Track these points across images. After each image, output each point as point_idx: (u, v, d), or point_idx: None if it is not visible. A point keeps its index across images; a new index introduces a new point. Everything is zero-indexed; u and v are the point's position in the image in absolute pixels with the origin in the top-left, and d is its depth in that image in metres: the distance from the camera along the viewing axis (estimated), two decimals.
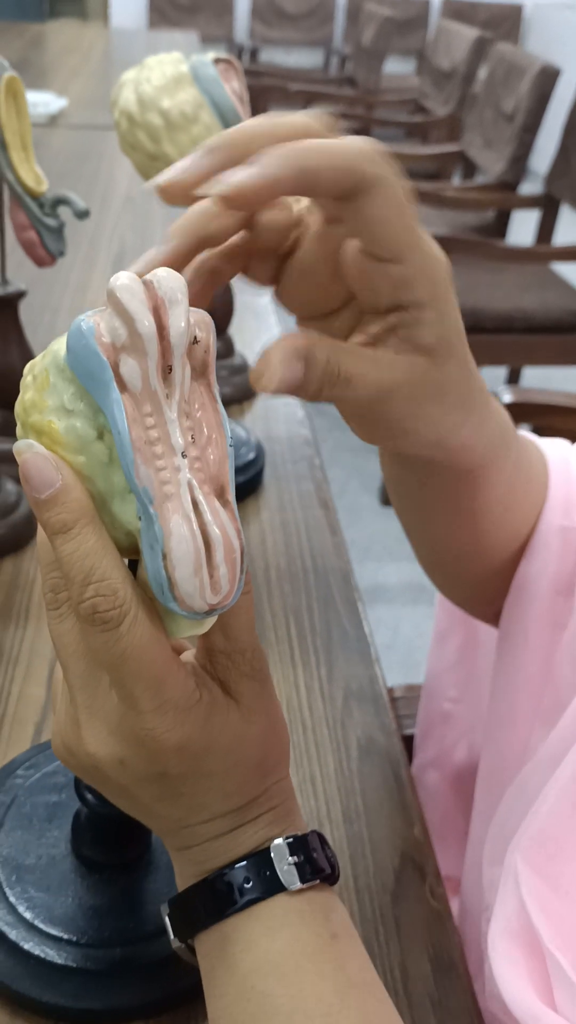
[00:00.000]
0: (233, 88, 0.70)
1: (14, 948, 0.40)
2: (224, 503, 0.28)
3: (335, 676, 0.61)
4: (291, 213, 0.34)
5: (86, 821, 0.43)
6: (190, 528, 0.27)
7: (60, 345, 0.29)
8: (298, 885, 0.32)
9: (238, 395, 0.92)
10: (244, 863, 0.33)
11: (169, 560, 0.27)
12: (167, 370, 0.27)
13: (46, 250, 0.65)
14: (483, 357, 2.10)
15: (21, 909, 0.42)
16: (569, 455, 0.50)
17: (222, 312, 0.92)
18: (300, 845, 0.33)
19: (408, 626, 1.91)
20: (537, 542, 0.48)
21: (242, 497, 0.77)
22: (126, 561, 0.30)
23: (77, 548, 0.28)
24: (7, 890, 0.42)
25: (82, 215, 0.63)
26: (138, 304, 0.27)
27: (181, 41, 3.22)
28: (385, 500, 2.37)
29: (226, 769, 0.32)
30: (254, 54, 5.18)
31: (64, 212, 0.66)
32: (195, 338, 0.28)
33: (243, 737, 0.32)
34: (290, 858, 0.33)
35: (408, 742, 0.72)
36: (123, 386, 0.27)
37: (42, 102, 1.93)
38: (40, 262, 0.66)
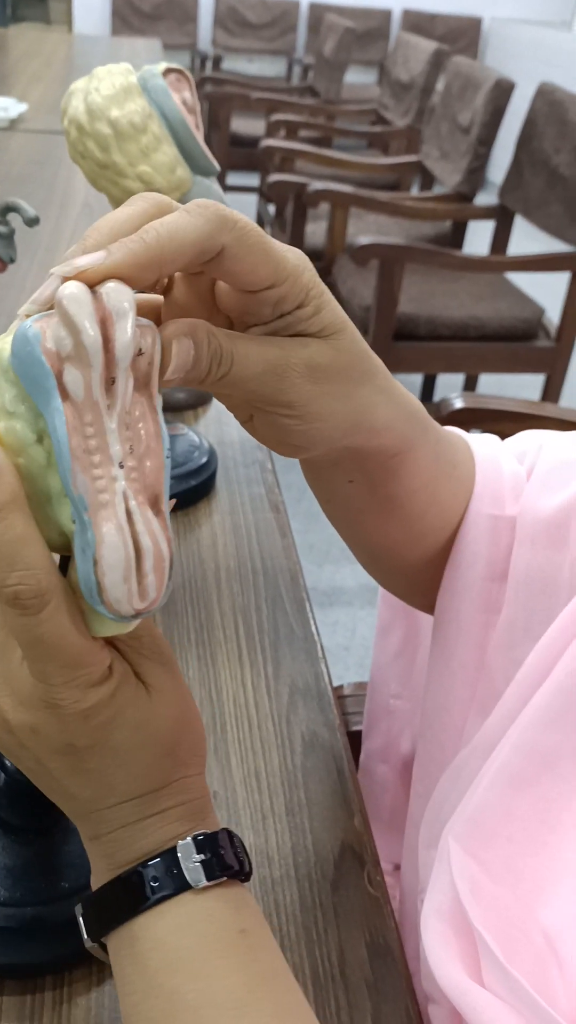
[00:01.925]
0: (184, 99, 0.72)
1: None
2: (157, 512, 0.29)
3: (281, 674, 0.62)
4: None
5: (4, 787, 0.44)
6: (122, 537, 0.28)
7: (5, 345, 0.29)
8: (204, 883, 0.33)
9: (192, 400, 0.93)
10: (154, 861, 0.34)
11: (100, 566, 0.28)
12: (110, 382, 0.28)
13: None
14: (439, 364, 2.14)
15: None
16: (499, 452, 0.52)
17: None
18: (208, 843, 0.34)
19: (365, 627, 1.93)
20: (466, 531, 0.49)
21: (194, 500, 0.78)
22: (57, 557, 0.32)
23: (4, 533, 0.29)
24: None
25: (32, 222, 0.64)
26: (85, 316, 0.27)
27: (143, 48, 3.23)
28: None
29: (134, 747, 0.33)
30: (217, 62, 5.20)
31: (15, 219, 0.67)
32: (139, 350, 0.29)
33: (151, 716, 0.33)
34: (197, 856, 0.34)
35: (357, 737, 0.74)
36: (65, 395, 0.28)
37: (1, 107, 1.93)
38: None
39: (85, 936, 0.35)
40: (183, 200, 0.68)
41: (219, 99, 3.86)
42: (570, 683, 0.41)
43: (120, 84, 0.64)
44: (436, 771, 0.49)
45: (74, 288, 0.28)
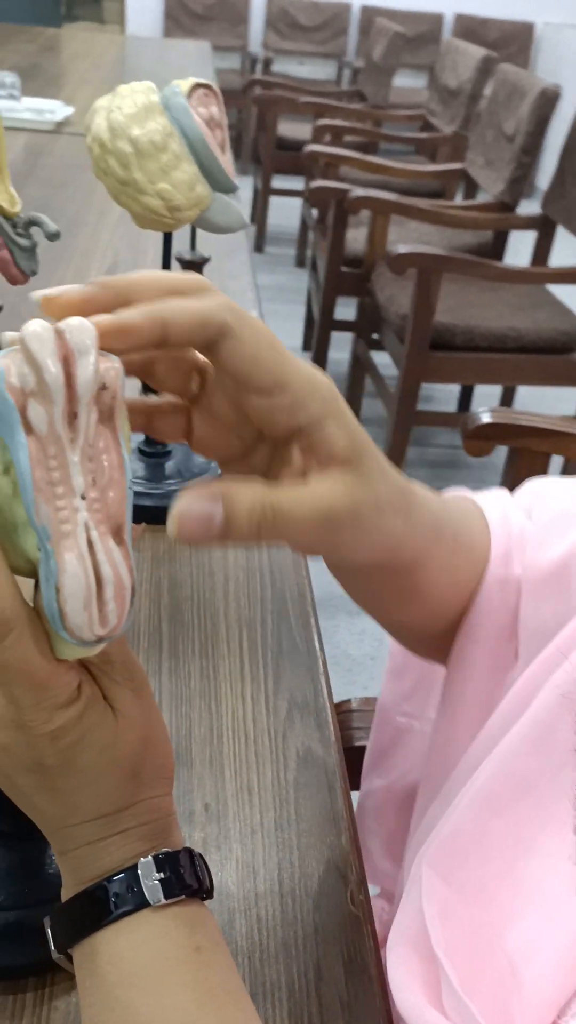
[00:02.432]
0: (212, 114, 0.73)
1: None
2: (119, 541, 0.30)
3: (281, 688, 0.63)
4: (192, 358, 0.36)
5: None
6: (83, 566, 0.29)
7: None
8: (162, 900, 0.34)
9: None
10: (118, 878, 0.35)
11: (62, 594, 0.29)
12: (72, 416, 0.29)
13: (18, 268, 0.67)
14: (475, 375, 2.13)
15: None
16: (508, 509, 0.53)
17: None
18: (168, 862, 0.35)
19: None
20: (481, 595, 0.50)
21: None
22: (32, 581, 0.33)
23: None
24: None
25: (53, 237, 0.66)
26: (47, 353, 0.28)
27: (193, 50, 3.25)
28: None
29: (99, 769, 0.34)
30: (267, 64, 5.22)
31: (38, 233, 0.68)
32: (104, 384, 0.30)
33: (116, 739, 0.34)
34: (156, 874, 0.35)
35: (360, 752, 0.74)
36: (29, 429, 0.29)
37: (48, 109, 1.96)
38: (13, 280, 0.68)
39: (52, 948, 0.36)
40: (203, 217, 0.70)
41: (267, 102, 3.87)
42: (549, 712, 0.41)
43: (142, 103, 0.65)
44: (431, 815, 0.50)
45: (37, 327, 0.29)
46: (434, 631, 0.53)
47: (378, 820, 0.68)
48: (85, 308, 0.31)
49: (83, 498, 0.29)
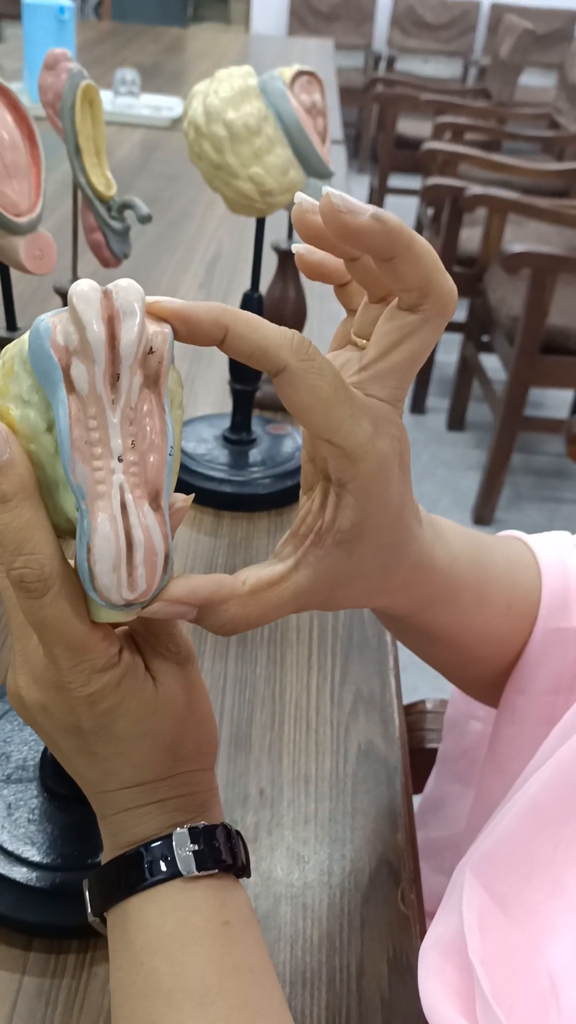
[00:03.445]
0: (315, 101, 0.72)
1: None
2: (156, 507, 0.30)
3: (348, 681, 0.62)
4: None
5: (50, 755, 0.47)
6: (114, 528, 0.29)
7: (26, 337, 0.31)
8: (194, 872, 0.34)
9: None
10: (154, 845, 0.35)
11: (92, 554, 0.29)
12: (115, 377, 0.29)
13: (111, 251, 0.68)
14: None
15: None
16: (567, 551, 0.50)
17: (294, 317, 0.94)
18: (203, 834, 0.35)
19: None
20: (531, 647, 0.48)
21: (290, 500, 0.79)
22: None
23: (12, 520, 0.30)
24: None
25: (144, 220, 0.66)
26: (92, 313, 0.28)
27: (315, 48, 3.26)
28: (478, 519, 2.35)
29: (135, 737, 0.34)
30: (391, 62, 5.19)
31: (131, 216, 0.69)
32: (151, 348, 0.30)
33: (155, 710, 0.34)
34: (191, 845, 0.35)
35: (430, 755, 0.73)
36: (71, 387, 0.29)
37: (165, 106, 2.00)
38: (105, 263, 0.69)
39: (89, 910, 0.37)
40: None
41: (388, 100, 3.85)
42: None
43: (238, 86, 0.65)
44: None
45: (84, 286, 0.29)
46: (471, 680, 0.52)
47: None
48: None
49: (120, 460, 0.29)
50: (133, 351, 0.29)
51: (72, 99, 0.65)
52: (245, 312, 0.31)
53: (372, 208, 0.31)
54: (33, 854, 0.45)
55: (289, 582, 0.34)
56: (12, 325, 0.65)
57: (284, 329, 0.32)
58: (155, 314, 0.30)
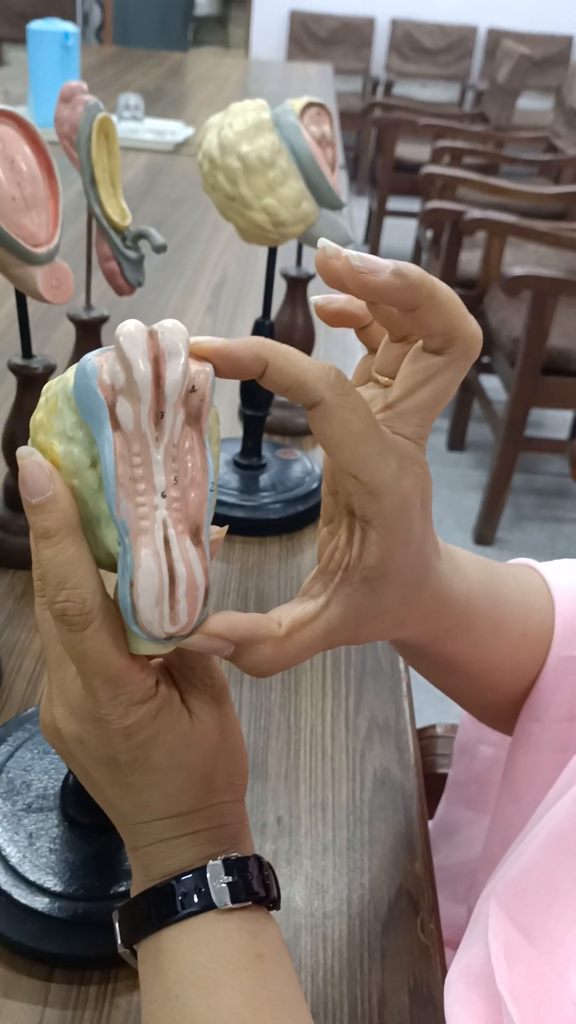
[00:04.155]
0: (324, 132, 0.73)
1: None
2: (196, 543, 0.31)
3: (362, 707, 0.62)
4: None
5: (72, 785, 0.47)
6: (158, 563, 0.30)
7: (72, 375, 0.31)
8: (228, 904, 0.34)
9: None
10: (186, 878, 0.35)
11: (135, 589, 0.30)
12: (159, 415, 0.30)
13: (125, 280, 0.69)
14: None
15: (4, 848, 0.46)
16: None
17: (302, 343, 0.95)
18: (236, 866, 0.35)
19: None
20: (545, 674, 0.49)
21: (300, 525, 0.80)
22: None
23: (56, 555, 0.31)
24: None
25: (159, 249, 0.67)
26: (138, 353, 0.29)
27: (315, 73, 3.29)
28: (480, 539, 2.35)
29: (169, 769, 0.35)
30: (389, 87, 5.24)
31: (145, 245, 0.70)
32: (192, 387, 0.31)
33: (189, 743, 0.35)
34: (225, 877, 0.35)
35: (441, 780, 0.73)
36: (116, 425, 0.30)
37: (169, 130, 2.02)
38: (120, 291, 0.70)
39: (119, 941, 0.37)
40: (308, 232, 0.70)
41: (386, 124, 3.88)
42: None
43: (252, 120, 0.66)
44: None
45: (131, 327, 0.29)
46: (484, 706, 0.52)
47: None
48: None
49: (163, 496, 0.30)
50: (177, 390, 0.29)
51: (88, 131, 0.66)
52: (283, 346, 0.32)
53: (391, 264, 0.32)
54: (55, 884, 0.45)
55: (321, 620, 0.34)
56: (28, 353, 0.66)
57: (322, 363, 0.32)
58: (196, 355, 0.31)
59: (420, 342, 0.35)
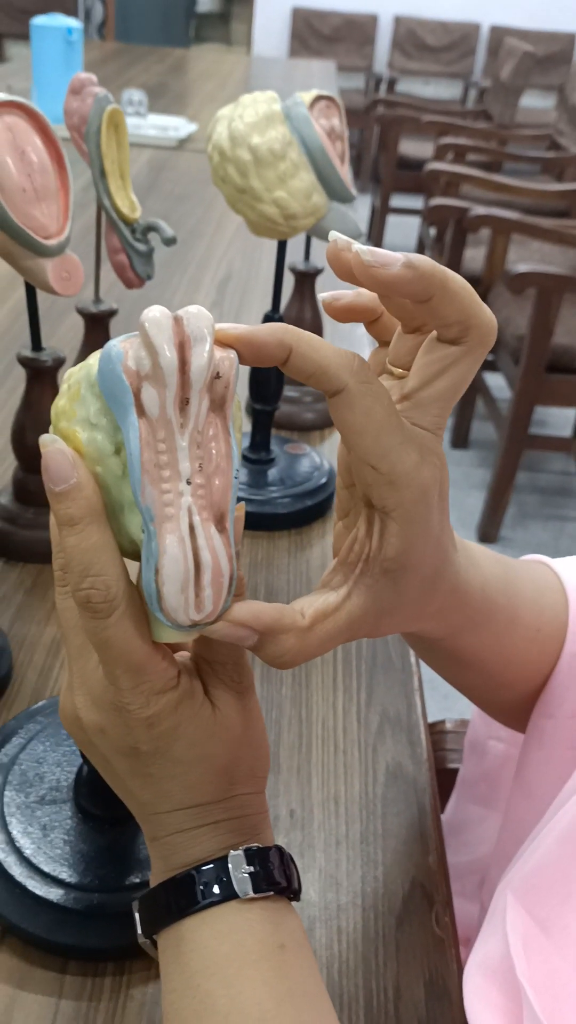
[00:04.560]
0: (333, 126, 0.73)
1: (3, 873, 0.45)
2: (221, 529, 0.30)
3: (374, 701, 0.62)
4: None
5: (87, 777, 0.47)
6: (183, 550, 0.29)
7: (94, 361, 0.31)
8: (250, 894, 0.34)
9: (319, 422, 0.94)
10: (207, 867, 0.35)
11: (160, 575, 0.29)
12: (184, 402, 0.30)
13: (135, 273, 0.68)
14: None
15: (18, 839, 0.46)
16: None
17: None
18: (258, 856, 0.35)
19: None
20: (558, 670, 0.49)
21: (309, 520, 0.79)
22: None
23: (80, 543, 0.31)
24: (10, 819, 0.47)
25: (169, 242, 0.67)
26: (164, 339, 0.29)
27: (318, 70, 3.29)
28: (483, 537, 2.35)
29: (191, 760, 0.34)
30: (391, 84, 5.23)
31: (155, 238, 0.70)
32: (217, 373, 0.30)
33: (211, 735, 0.34)
34: (246, 867, 0.35)
35: (451, 775, 0.72)
36: (142, 411, 0.29)
37: (172, 126, 2.01)
38: (129, 284, 0.70)
39: (139, 931, 0.37)
40: (318, 225, 0.70)
41: (389, 121, 3.88)
42: None
43: (263, 112, 0.66)
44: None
45: (156, 313, 0.29)
46: (499, 704, 0.52)
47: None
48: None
49: (188, 483, 0.30)
50: (203, 376, 0.29)
51: (98, 123, 0.66)
52: (306, 332, 0.31)
53: (402, 257, 0.32)
54: (69, 875, 0.45)
55: (343, 611, 0.34)
56: (37, 345, 0.66)
57: (345, 351, 0.32)
58: (220, 341, 0.31)
59: (434, 332, 0.35)
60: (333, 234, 0.33)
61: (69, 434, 0.32)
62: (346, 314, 0.38)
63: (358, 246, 0.32)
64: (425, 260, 0.32)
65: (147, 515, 0.29)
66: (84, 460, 0.31)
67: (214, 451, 0.30)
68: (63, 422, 0.32)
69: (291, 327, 0.31)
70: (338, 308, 0.37)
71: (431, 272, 0.32)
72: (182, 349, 0.29)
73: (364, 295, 0.37)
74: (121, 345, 0.30)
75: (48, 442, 0.31)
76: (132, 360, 0.29)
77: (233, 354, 0.31)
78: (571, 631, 0.49)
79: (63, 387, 0.32)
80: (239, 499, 0.77)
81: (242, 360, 0.31)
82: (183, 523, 0.30)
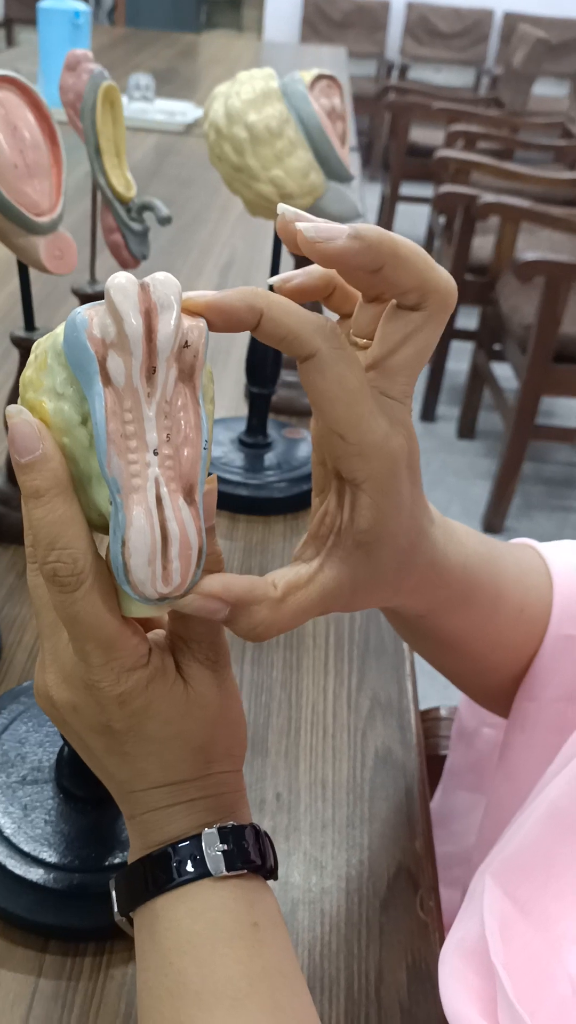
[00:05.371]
0: (334, 105, 0.72)
1: None
2: (190, 501, 0.30)
3: (364, 686, 0.62)
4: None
5: (68, 757, 0.47)
6: (150, 521, 0.29)
7: (62, 330, 0.31)
8: (223, 872, 0.34)
9: None
10: (182, 845, 0.34)
11: (127, 547, 0.29)
12: (151, 371, 0.29)
13: (130, 253, 0.68)
14: None
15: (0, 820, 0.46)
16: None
17: None
18: (232, 835, 0.35)
19: None
20: (542, 653, 0.48)
21: (307, 504, 0.79)
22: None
23: (46, 515, 0.30)
24: None
25: (164, 221, 0.66)
26: (129, 306, 0.28)
27: (328, 55, 3.26)
28: (488, 528, 2.34)
29: (165, 738, 0.34)
30: (403, 71, 5.20)
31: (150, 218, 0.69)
32: (186, 342, 0.30)
33: (186, 713, 0.34)
34: (220, 845, 0.34)
35: (443, 762, 0.72)
36: (107, 380, 0.29)
37: (180, 111, 2.00)
38: (124, 264, 0.69)
39: (115, 909, 0.37)
40: (316, 205, 0.69)
41: (400, 108, 3.85)
42: None
43: (260, 89, 0.65)
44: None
45: (122, 279, 0.28)
46: (483, 688, 0.52)
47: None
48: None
49: (155, 454, 0.29)
50: (170, 344, 0.29)
51: (93, 100, 0.65)
52: (278, 296, 0.31)
53: (347, 228, 0.31)
54: (50, 855, 0.45)
55: (315, 583, 0.34)
56: (30, 325, 0.65)
57: (318, 315, 0.31)
58: (189, 310, 0.30)
59: (394, 300, 0.34)
60: (281, 207, 0.32)
61: (36, 405, 0.31)
62: (298, 295, 0.36)
63: (302, 223, 0.31)
64: (372, 229, 0.31)
65: (113, 486, 0.29)
66: (51, 431, 0.31)
67: (183, 422, 0.30)
68: (30, 392, 0.31)
69: (262, 291, 0.31)
70: (288, 290, 0.36)
71: (378, 241, 0.31)
72: (148, 316, 0.28)
73: (313, 273, 0.36)
74: (86, 312, 0.29)
75: (14, 413, 0.31)
76: (97, 328, 0.29)
77: (203, 323, 0.30)
78: (555, 613, 0.48)
79: (31, 357, 0.32)
80: (228, 500, 0.76)
81: (213, 328, 0.30)
82: (150, 494, 0.29)
